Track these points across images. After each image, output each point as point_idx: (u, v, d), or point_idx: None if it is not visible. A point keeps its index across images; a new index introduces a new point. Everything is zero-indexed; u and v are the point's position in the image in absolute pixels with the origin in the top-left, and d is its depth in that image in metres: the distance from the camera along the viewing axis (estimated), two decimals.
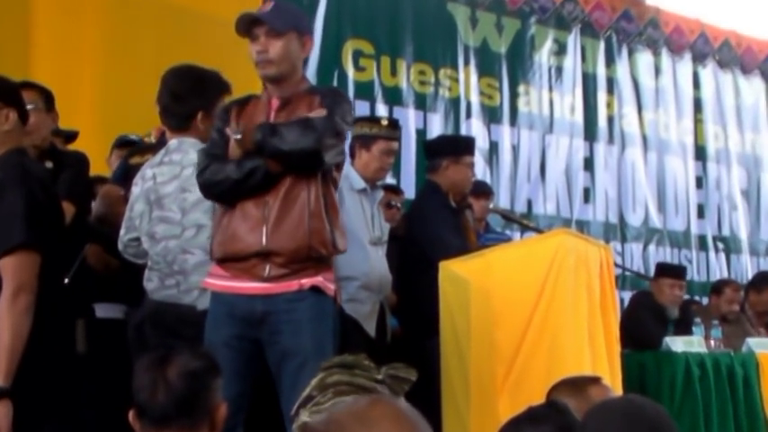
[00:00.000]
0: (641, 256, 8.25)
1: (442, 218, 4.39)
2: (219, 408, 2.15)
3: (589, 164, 8.01)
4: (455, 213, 4.51)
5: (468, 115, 7.26)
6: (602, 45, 8.24)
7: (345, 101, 3.15)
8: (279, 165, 2.93)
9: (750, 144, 9.33)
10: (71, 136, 4.37)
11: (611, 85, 8.28)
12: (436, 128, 6.97)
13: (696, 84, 8.94)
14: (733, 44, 9.22)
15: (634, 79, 8.46)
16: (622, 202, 8.22)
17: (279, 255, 2.93)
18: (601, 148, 8.12)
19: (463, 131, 7.01)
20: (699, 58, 8.95)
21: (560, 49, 7.92)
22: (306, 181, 2.96)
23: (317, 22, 6.36)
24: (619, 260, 7.56)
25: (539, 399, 2.32)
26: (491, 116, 7.40)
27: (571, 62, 7.99)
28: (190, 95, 3.34)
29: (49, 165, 3.60)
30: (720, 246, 8.83)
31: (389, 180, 5.79)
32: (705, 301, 7.31)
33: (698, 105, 8.93)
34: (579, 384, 2.58)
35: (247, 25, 3.05)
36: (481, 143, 6.99)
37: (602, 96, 8.19)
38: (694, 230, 8.68)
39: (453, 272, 3.77)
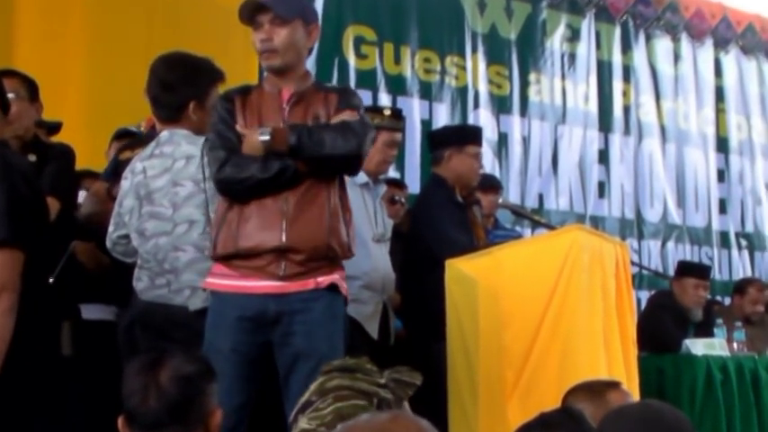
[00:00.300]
0: (659, 254, 8.24)
1: (448, 213, 4.39)
2: (214, 414, 2.15)
3: (604, 156, 8.01)
4: (462, 208, 4.50)
5: (476, 105, 7.26)
6: (617, 30, 8.23)
7: (359, 98, 3.20)
8: (311, 166, 2.96)
9: None
10: (54, 127, 4.35)
11: (627, 72, 8.26)
12: (442, 118, 6.97)
13: (718, 71, 8.92)
14: (757, 29, 9.19)
15: (652, 67, 8.45)
16: (639, 196, 8.20)
17: (297, 252, 2.94)
18: (616, 139, 8.11)
19: (471, 122, 6.98)
20: (721, 44, 8.93)
21: (573, 35, 7.91)
22: (325, 179, 3.00)
23: (317, 6, 6.34)
24: (636, 258, 7.56)
25: (550, 404, 2.32)
26: (500, 106, 7.40)
27: (585, 49, 7.98)
28: (181, 85, 3.32)
29: (32, 158, 3.59)
30: (743, 243, 8.81)
31: (393, 174, 5.79)
32: (727, 301, 7.31)
33: (720, 94, 8.91)
34: (597, 389, 2.58)
35: (251, 12, 3.03)
36: (490, 134, 6.99)
37: (617, 85, 8.17)
38: (716, 227, 8.67)
39: (460, 270, 3.77)
